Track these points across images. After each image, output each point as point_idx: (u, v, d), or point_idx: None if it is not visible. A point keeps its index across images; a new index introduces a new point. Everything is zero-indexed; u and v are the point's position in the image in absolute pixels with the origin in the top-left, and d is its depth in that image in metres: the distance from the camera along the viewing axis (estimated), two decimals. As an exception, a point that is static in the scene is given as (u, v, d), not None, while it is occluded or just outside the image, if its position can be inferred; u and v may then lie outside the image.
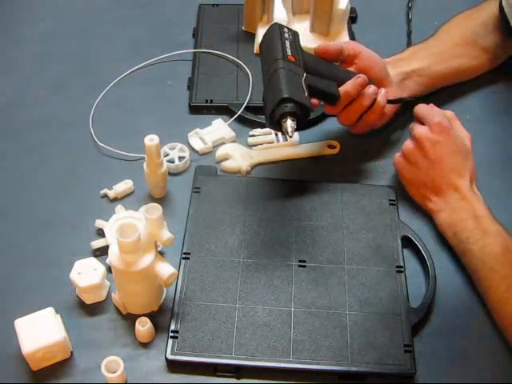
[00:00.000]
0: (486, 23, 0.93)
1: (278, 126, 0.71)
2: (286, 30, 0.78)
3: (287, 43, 0.75)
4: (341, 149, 0.88)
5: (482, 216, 0.73)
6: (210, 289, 0.71)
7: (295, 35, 0.78)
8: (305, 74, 0.73)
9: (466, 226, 0.73)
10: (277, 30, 0.77)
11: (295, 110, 0.69)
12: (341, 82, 0.78)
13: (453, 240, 0.75)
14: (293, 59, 0.74)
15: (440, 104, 0.90)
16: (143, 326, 0.67)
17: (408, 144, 0.80)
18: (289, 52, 0.74)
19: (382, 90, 0.80)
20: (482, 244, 0.71)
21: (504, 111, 0.94)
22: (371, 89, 0.79)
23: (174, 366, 0.67)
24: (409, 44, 1.02)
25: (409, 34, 1.04)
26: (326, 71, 0.78)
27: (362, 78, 0.78)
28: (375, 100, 0.79)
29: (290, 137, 0.71)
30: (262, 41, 0.79)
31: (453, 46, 0.92)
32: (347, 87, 0.77)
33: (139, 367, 0.67)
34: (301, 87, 0.72)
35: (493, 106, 0.94)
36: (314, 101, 0.78)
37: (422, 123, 0.80)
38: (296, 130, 0.70)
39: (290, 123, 0.69)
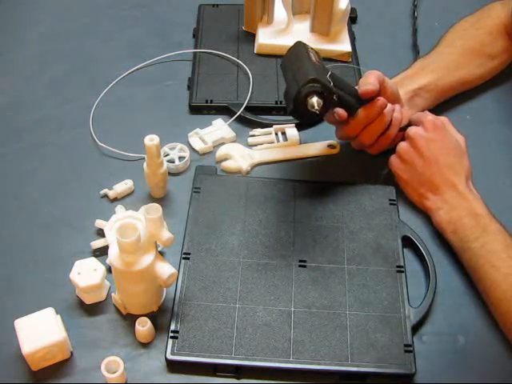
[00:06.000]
0: (492, 31, 0.93)
1: (301, 108, 0.73)
2: (309, 47, 0.79)
3: (311, 55, 0.77)
4: (341, 149, 0.88)
5: (480, 214, 0.73)
6: (210, 289, 0.71)
7: (317, 53, 0.80)
8: (329, 72, 0.75)
9: (465, 223, 0.73)
10: (301, 45, 0.79)
11: (322, 90, 0.72)
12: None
13: (452, 238, 0.75)
14: (318, 64, 0.76)
15: (440, 104, 0.91)
16: (143, 326, 0.67)
17: (402, 144, 0.80)
18: (313, 59, 0.76)
19: (397, 106, 0.81)
20: (482, 241, 0.71)
21: (504, 112, 0.93)
22: (388, 106, 0.79)
23: (173, 366, 0.66)
24: (414, 42, 1.02)
25: (414, 32, 1.04)
26: (345, 88, 0.78)
27: (382, 100, 0.78)
28: (391, 121, 0.80)
29: (317, 115, 0.72)
30: (286, 54, 0.79)
31: (457, 57, 0.92)
32: (368, 110, 0.78)
33: (139, 367, 0.66)
34: (326, 78, 0.74)
35: (493, 106, 0.94)
36: (341, 111, 0.77)
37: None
38: (319, 114, 0.72)
39: (316, 99, 0.71)
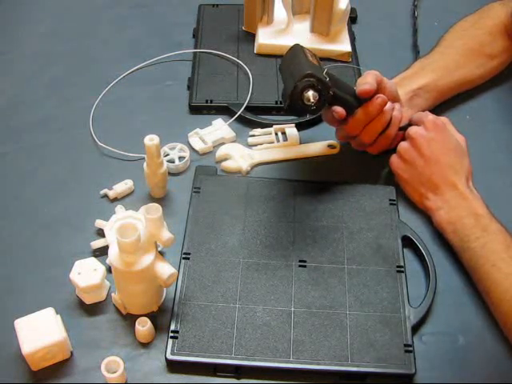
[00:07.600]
0: (492, 31, 0.93)
1: (298, 103, 0.73)
2: (306, 49, 0.79)
3: (308, 55, 0.78)
4: (341, 149, 0.88)
5: (481, 214, 0.73)
6: (210, 289, 0.71)
7: (315, 55, 0.80)
8: (326, 69, 0.75)
9: (466, 223, 0.73)
10: (299, 47, 0.79)
11: (317, 84, 0.72)
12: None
13: (452, 238, 0.75)
14: (315, 63, 0.77)
15: (440, 104, 0.91)
16: (143, 326, 0.67)
17: (403, 144, 0.80)
18: (310, 59, 0.77)
19: (397, 105, 0.81)
20: (483, 241, 0.71)
21: (504, 112, 0.93)
22: (388, 105, 0.79)
23: (173, 366, 0.66)
24: (414, 42, 1.02)
25: (414, 32, 1.04)
26: (344, 88, 0.78)
27: (381, 98, 0.78)
28: (391, 120, 0.80)
29: (312, 109, 0.73)
30: (283, 57, 0.80)
31: (457, 57, 0.92)
32: (368, 108, 0.78)
33: (139, 367, 0.66)
34: (322, 73, 0.74)
35: (493, 106, 0.94)
36: (340, 109, 0.77)
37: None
38: (316, 109, 0.73)
39: (311, 93, 0.72)
